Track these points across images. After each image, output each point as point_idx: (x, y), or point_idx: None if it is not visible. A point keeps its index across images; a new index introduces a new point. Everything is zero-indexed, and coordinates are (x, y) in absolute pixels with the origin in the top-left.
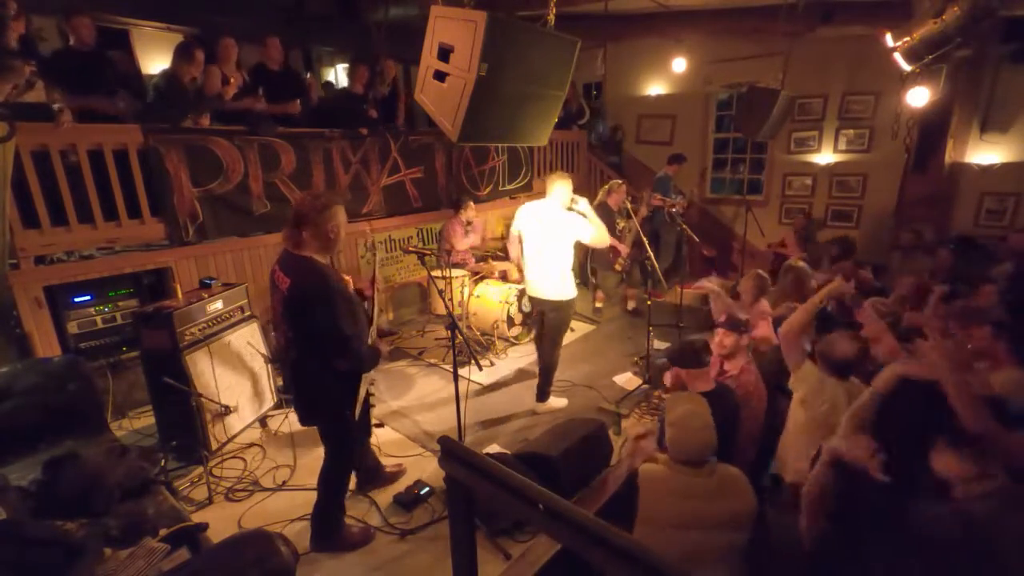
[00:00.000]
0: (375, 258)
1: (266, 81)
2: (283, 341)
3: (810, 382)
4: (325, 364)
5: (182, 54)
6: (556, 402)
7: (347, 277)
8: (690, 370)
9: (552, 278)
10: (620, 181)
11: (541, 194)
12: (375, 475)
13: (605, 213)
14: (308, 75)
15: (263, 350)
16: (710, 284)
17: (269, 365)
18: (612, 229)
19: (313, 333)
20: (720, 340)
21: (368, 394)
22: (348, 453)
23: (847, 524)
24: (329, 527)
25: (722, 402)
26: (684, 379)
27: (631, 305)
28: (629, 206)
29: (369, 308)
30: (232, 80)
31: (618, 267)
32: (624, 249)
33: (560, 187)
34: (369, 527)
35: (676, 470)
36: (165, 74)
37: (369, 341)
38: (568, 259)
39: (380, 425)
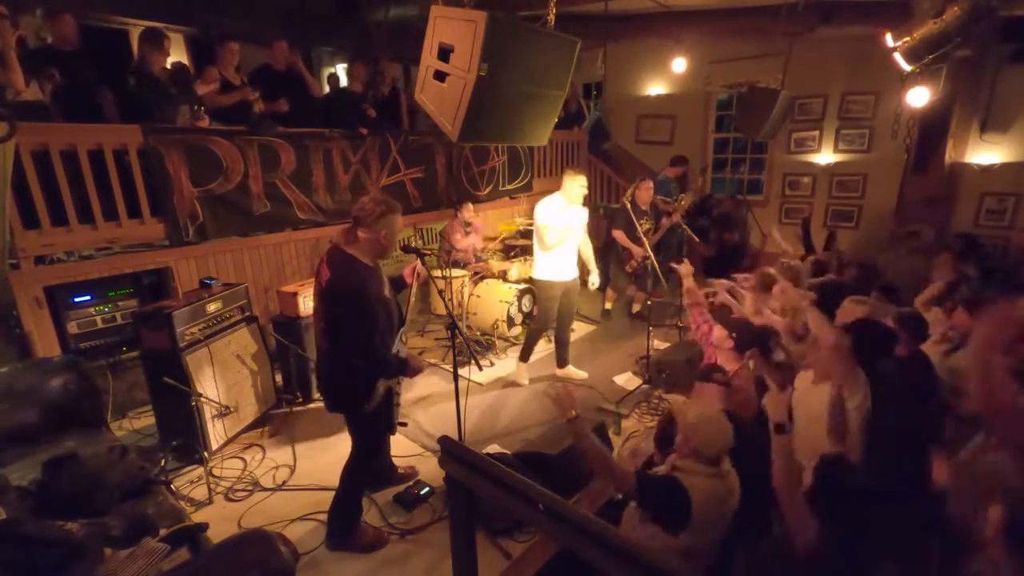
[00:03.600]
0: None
1: (270, 82)
2: (317, 331)
3: (861, 388)
4: (345, 358)
5: (147, 42)
6: (522, 376)
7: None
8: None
9: (534, 257)
10: (645, 178)
11: (541, 194)
12: (388, 475)
13: (626, 213)
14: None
15: (263, 350)
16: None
17: (270, 365)
18: (633, 230)
19: (339, 328)
20: (716, 334)
21: (394, 392)
22: (371, 445)
23: (845, 523)
24: (345, 526)
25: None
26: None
27: (635, 308)
28: (659, 201)
29: (405, 302)
30: (213, 79)
31: (628, 268)
32: (638, 251)
33: (565, 180)
34: (381, 531)
35: (712, 475)
36: (133, 71)
37: (402, 340)
38: (537, 240)
39: (404, 424)
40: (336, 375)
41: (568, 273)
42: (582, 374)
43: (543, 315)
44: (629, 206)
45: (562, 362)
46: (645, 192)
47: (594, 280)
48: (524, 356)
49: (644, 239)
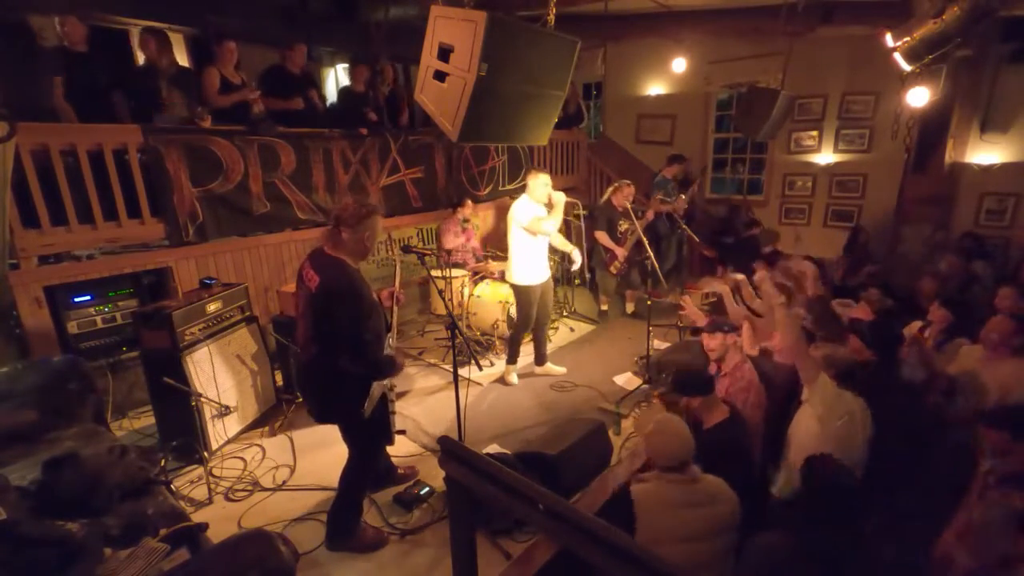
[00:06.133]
0: (398, 266)
1: (282, 84)
2: (302, 338)
3: (827, 397)
4: (336, 365)
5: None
6: (511, 376)
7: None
8: (702, 398)
9: (510, 263)
10: (627, 181)
11: None
12: (388, 476)
13: (608, 213)
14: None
15: (263, 350)
16: (719, 285)
17: (270, 365)
18: (614, 230)
19: (333, 332)
20: (707, 344)
21: (388, 400)
22: (369, 452)
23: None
24: (345, 527)
25: (737, 427)
26: (697, 410)
27: (630, 308)
28: (629, 207)
29: (388, 316)
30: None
31: (613, 270)
32: (620, 252)
33: (531, 180)
34: (381, 531)
35: (665, 480)
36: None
37: (389, 348)
38: (516, 244)
39: (402, 432)
40: (326, 383)
41: (544, 274)
42: (560, 369)
43: (524, 318)
44: (629, 206)
45: (541, 359)
46: (625, 194)
47: (575, 257)
48: (512, 359)
49: (643, 238)
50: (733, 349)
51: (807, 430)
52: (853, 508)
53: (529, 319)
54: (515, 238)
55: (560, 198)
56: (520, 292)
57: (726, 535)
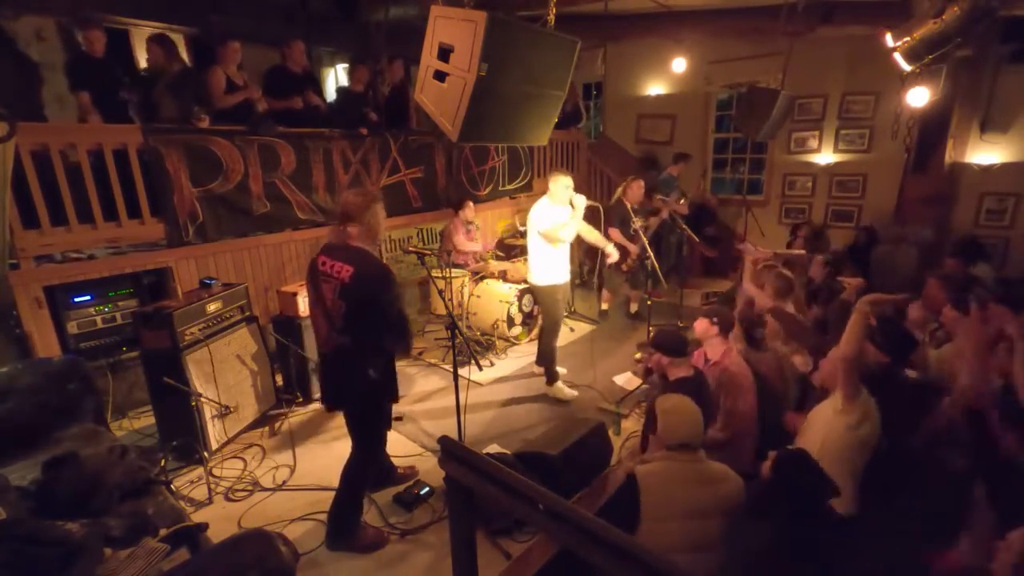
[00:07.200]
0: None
1: (284, 84)
2: (328, 327)
3: (865, 410)
4: (374, 349)
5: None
6: (564, 391)
7: None
8: (671, 357)
9: (530, 265)
10: (637, 177)
11: (541, 194)
12: (388, 475)
13: (620, 211)
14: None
15: (263, 350)
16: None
17: (270, 365)
18: (627, 227)
19: (373, 315)
20: (695, 327)
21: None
22: (376, 443)
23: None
24: (346, 526)
25: (696, 384)
26: (664, 365)
27: (634, 308)
28: (659, 201)
29: None
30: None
31: (624, 267)
32: (633, 249)
33: (552, 183)
34: (381, 531)
35: (672, 458)
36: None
37: None
38: (536, 248)
39: (399, 419)
40: (351, 370)
41: (566, 274)
42: (560, 370)
43: (553, 319)
44: (629, 205)
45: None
46: (635, 191)
47: (610, 251)
48: (551, 376)
49: (643, 237)
50: (716, 339)
51: (832, 431)
52: (819, 497)
53: (557, 320)
54: (534, 241)
55: (581, 202)
56: (543, 293)
57: (731, 515)
